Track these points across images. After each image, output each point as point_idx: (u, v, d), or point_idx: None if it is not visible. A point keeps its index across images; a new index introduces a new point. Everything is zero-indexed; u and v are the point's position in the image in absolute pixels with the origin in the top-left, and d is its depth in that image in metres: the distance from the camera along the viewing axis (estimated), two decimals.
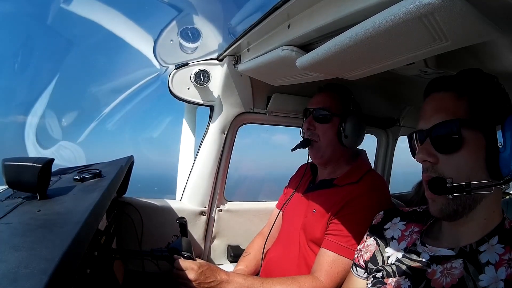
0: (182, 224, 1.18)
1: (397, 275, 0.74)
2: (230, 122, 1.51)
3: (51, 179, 0.87)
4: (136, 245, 1.35)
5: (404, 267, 0.74)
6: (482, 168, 0.64)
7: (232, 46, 1.24)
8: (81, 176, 0.98)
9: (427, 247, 0.74)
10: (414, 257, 0.74)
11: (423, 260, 0.72)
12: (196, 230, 1.55)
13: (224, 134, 1.51)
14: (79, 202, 0.79)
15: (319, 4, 0.71)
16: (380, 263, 0.82)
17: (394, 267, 0.76)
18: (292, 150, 1.29)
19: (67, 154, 1.68)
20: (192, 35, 1.34)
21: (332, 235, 1.08)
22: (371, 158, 1.39)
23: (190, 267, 0.99)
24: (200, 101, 1.48)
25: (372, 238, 0.88)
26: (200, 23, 1.33)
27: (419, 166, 0.74)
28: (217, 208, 1.59)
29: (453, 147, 0.65)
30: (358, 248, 0.92)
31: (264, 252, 1.32)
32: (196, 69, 1.42)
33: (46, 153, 1.63)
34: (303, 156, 1.35)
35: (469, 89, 0.66)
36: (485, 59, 0.80)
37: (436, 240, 0.75)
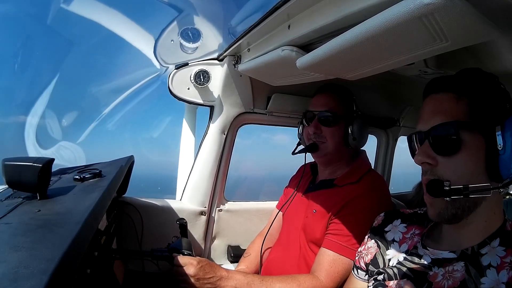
0: (182, 225, 1.18)
1: (398, 278, 0.74)
2: (230, 122, 1.51)
3: (51, 179, 0.87)
4: (136, 245, 1.35)
5: (405, 270, 0.74)
6: (482, 171, 0.63)
7: (232, 46, 1.24)
8: (81, 176, 0.98)
9: (428, 250, 0.74)
10: (416, 259, 0.74)
11: (425, 263, 0.72)
12: (196, 230, 1.55)
13: (224, 134, 1.51)
14: (79, 202, 0.79)
15: (319, 4, 0.71)
16: (381, 265, 0.82)
17: (395, 270, 0.76)
18: (294, 153, 1.29)
19: (67, 154, 1.68)
20: (193, 35, 1.34)
21: (332, 234, 1.08)
22: (371, 158, 1.39)
23: (189, 263, 0.98)
24: (200, 101, 1.48)
25: (373, 241, 0.87)
26: (200, 23, 1.33)
27: (418, 167, 0.74)
28: (217, 208, 1.59)
29: (452, 149, 0.64)
30: (359, 250, 0.92)
31: (263, 252, 1.32)
32: (196, 69, 1.42)
33: (46, 153, 1.63)
34: (303, 155, 1.34)
35: (468, 90, 0.65)
36: (485, 59, 0.80)
37: (437, 243, 0.74)
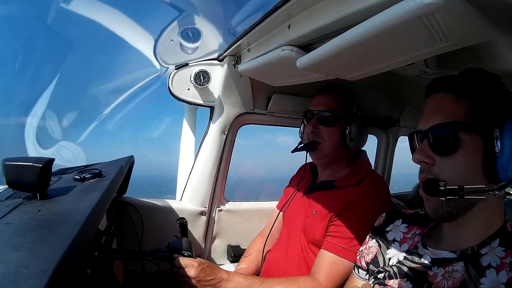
0: (182, 224, 1.18)
1: (398, 277, 0.74)
2: (230, 122, 1.51)
3: (51, 179, 0.87)
4: (136, 245, 1.35)
5: (405, 269, 0.74)
6: (479, 172, 0.63)
7: (232, 46, 1.24)
8: (81, 176, 0.98)
9: (428, 249, 0.74)
10: (416, 259, 0.74)
11: (425, 262, 0.72)
12: (196, 230, 1.55)
13: (224, 134, 1.51)
14: (79, 202, 0.79)
15: (320, 4, 0.70)
16: (382, 264, 0.82)
17: (395, 269, 0.76)
18: (293, 152, 1.29)
19: (67, 154, 1.68)
20: (193, 35, 1.34)
21: (332, 236, 1.08)
22: (371, 158, 1.39)
23: (190, 264, 0.99)
24: (200, 102, 1.48)
25: (374, 240, 0.88)
26: (200, 23, 1.33)
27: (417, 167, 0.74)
28: (217, 208, 1.59)
29: (450, 149, 0.64)
30: (360, 249, 0.92)
31: (264, 253, 1.32)
32: (196, 69, 1.42)
33: (46, 153, 1.63)
34: (304, 154, 1.34)
35: (469, 91, 0.65)
36: (485, 59, 0.80)
37: (437, 243, 0.75)
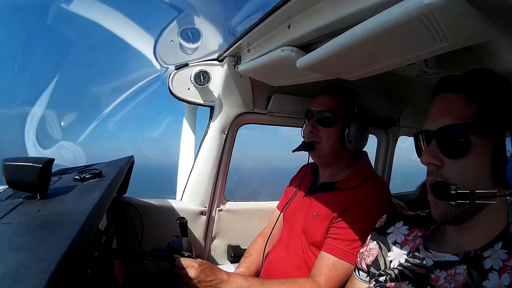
0: (182, 224, 1.18)
1: (400, 280, 0.74)
2: (230, 122, 1.51)
3: (51, 179, 0.87)
4: (136, 245, 1.35)
5: (407, 272, 0.74)
6: (487, 175, 0.62)
7: (232, 46, 1.24)
8: (81, 176, 0.98)
9: (430, 252, 0.73)
10: (418, 262, 0.74)
11: (427, 265, 0.71)
12: (196, 230, 1.55)
13: (224, 134, 1.51)
14: (79, 202, 0.79)
15: (319, 4, 0.70)
16: (383, 267, 0.81)
17: (397, 272, 0.75)
18: (293, 151, 1.29)
19: (67, 154, 1.68)
20: (192, 35, 1.34)
21: (333, 238, 1.08)
22: (371, 158, 1.38)
23: (191, 265, 0.99)
24: (200, 102, 1.48)
25: (374, 242, 0.87)
26: (200, 23, 1.33)
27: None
28: (217, 208, 1.59)
29: (460, 152, 0.63)
30: (360, 251, 0.91)
31: (265, 254, 1.32)
32: (196, 69, 1.42)
33: (46, 153, 1.63)
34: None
35: (479, 92, 0.64)
36: (485, 59, 0.80)
37: (439, 245, 0.74)
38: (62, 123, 1.68)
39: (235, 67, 1.36)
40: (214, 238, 1.62)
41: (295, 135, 1.40)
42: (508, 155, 0.59)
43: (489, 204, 0.64)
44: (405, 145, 1.99)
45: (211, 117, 1.52)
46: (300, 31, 0.79)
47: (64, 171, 1.13)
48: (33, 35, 1.55)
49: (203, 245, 1.59)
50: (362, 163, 1.25)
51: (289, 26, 0.84)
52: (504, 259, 0.62)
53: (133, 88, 1.58)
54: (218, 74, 1.45)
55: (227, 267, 1.58)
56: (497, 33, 0.50)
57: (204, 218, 1.55)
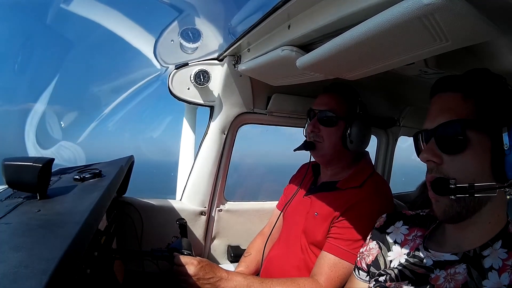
0: (182, 225, 1.18)
1: (399, 280, 0.74)
2: (230, 122, 1.51)
3: (51, 179, 0.87)
4: (136, 245, 1.35)
5: (407, 272, 0.74)
6: (487, 171, 0.63)
7: (232, 46, 1.24)
8: (81, 176, 0.98)
9: (430, 252, 0.73)
10: (417, 262, 0.74)
11: (426, 265, 0.71)
12: (196, 230, 1.55)
13: (224, 134, 1.51)
14: (79, 202, 0.79)
15: (319, 4, 0.70)
16: (382, 267, 0.81)
17: (396, 272, 0.76)
18: (295, 150, 1.28)
19: (67, 154, 1.68)
20: (193, 35, 1.34)
21: (334, 238, 1.08)
22: (371, 158, 1.38)
23: (190, 262, 0.99)
24: (200, 101, 1.48)
25: (374, 242, 0.87)
26: (200, 23, 1.33)
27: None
28: (217, 208, 1.59)
29: (458, 147, 0.64)
30: (360, 251, 0.91)
31: (265, 253, 1.32)
32: (196, 69, 1.42)
33: (46, 153, 1.63)
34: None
35: (476, 90, 0.65)
36: (485, 59, 0.80)
37: (439, 245, 0.74)
38: (62, 123, 1.68)
39: (235, 67, 1.36)
40: (214, 238, 1.62)
41: (297, 132, 1.41)
42: (506, 149, 0.60)
43: (489, 201, 0.64)
44: (405, 145, 1.99)
45: (211, 117, 1.52)
46: (300, 31, 0.79)
47: (64, 171, 1.13)
48: (33, 35, 1.55)
49: (203, 245, 1.59)
50: (364, 163, 1.25)
51: (289, 26, 0.84)
52: (504, 258, 0.62)
53: (133, 88, 1.58)
54: (218, 73, 1.45)
55: (227, 267, 1.58)
56: (497, 33, 0.51)
57: (204, 218, 1.55)
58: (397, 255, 0.80)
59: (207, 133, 1.52)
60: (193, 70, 1.42)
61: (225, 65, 1.40)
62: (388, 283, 0.76)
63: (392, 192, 1.23)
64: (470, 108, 0.64)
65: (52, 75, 1.55)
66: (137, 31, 1.41)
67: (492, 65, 0.78)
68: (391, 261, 0.81)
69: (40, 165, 0.76)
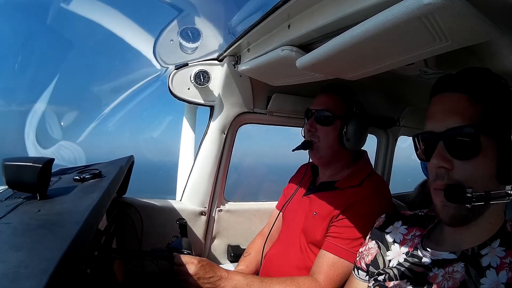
0: (182, 225, 1.18)
1: (398, 279, 0.74)
2: (230, 122, 1.51)
3: (51, 179, 0.87)
4: (136, 245, 1.35)
5: (406, 271, 0.74)
6: (493, 174, 0.62)
7: (232, 46, 1.24)
8: (81, 176, 0.98)
9: (428, 251, 0.73)
10: (416, 261, 0.74)
11: (425, 264, 0.72)
12: (196, 230, 1.55)
13: (224, 134, 1.51)
14: (79, 202, 0.79)
15: (319, 4, 0.71)
16: (381, 266, 0.82)
17: (395, 271, 0.76)
18: (293, 150, 1.29)
19: (67, 154, 1.68)
20: (192, 35, 1.34)
21: (333, 237, 1.08)
22: (371, 158, 1.39)
23: (190, 262, 0.99)
24: (200, 101, 1.48)
25: (373, 241, 0.88)
26: (200, 23, 1.33)
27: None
28: (217, 208, 1.59)
29: (471, 153, 0.62)
30: (359, 250, 0.92)
31: (264, 253, 1.32)
32: (196, 69, 1.42)
33: (46, 153, 1.63)
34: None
35: (484, 93, 0.64)
36: (485, 59, 0.80)
37: (437, 244, 0.74)
38: (62, 123, 1.68)
39: (235, 67, 1.36)
40: (214, 238, 1.62)
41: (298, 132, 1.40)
42: None
43: (494, 203, 0.64)
44: (405, 145, 1.99)
45: (211, 117, 1.52)
46: (300, 31, 0.79)
47: (64, 171, 1.13)
48: (33, 34, 1.55)
49: (203, 245, 1.59)
50: (362, 163, 1.25)
51: (289, 26, 0.84)
52: (502, 256, 0.62)
53: (133, 88, 1.58)
54: (218, 73, 1.45)
55: (227, 267, 1.58)
56: (497, 33, 0.51)
57: (204, 218, 1.55)
58: (396, 255, 0.80)
59: (207, 133, 1.52)
60: (193, 70, 1.42)
61: (225, 65, 1.40)
62: (387, 282, 0.76)
63: (392, 193, 1.24)
64: (478, 112, 0.63)
65: (52, 75, 1.55)
66: (137, 31, 1.41)
67: (492, 65, 0.78)
68: (390, 261, 0.81)
69: (40, 165, 0.76)
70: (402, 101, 1.70)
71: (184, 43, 1.36)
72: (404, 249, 0.80)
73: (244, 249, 1.45)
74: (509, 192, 0.61)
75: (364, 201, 1.09)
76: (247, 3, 1.08)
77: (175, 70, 1.42)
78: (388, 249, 0.83)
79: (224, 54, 1.37)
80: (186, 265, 0.98)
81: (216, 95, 1.48)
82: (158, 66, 1.48)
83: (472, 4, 0.44)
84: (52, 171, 0.84)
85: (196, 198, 1.53)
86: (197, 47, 1.38)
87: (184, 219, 1.20)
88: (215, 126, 1.50)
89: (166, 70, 1.48)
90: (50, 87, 1.55)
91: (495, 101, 0.64)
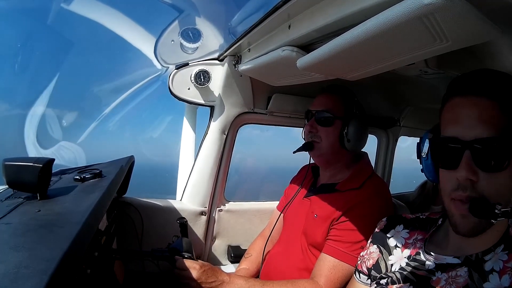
0: (183, 224, 1.18)
1: (401, 283, 0.74)
2: (231, 122, 1.51)
3: (52, 179, 0.87)
4: (136, 245, 1.35)
5: (408, 275, 0.74)
6: None
7: (232, 46, 1.24)
8: (82, 176, 0.98)
9: (431, 255, 0.73)
10: (418, 265, 0.74)
11: (428, 268, 0.71)
12: (196, 230, 1.55)
13: (225, 134, 1.51)
14: (79, 202, 0.79)
15: (320, 4, 0.71)
16: (384, 270, 0.81)
17: (398, 275, 0.76)
18: (294, 152, 1.29)
19: (67, 154, 1.68)
20: (193, 35, 1.34)
21: (333, 240, 1.08)
22: (371, 158, 1.39)
23: (192, 266, 0.99)
24: (201, 101, 1.48)
25: (375, 246, 0.87)
26: (201, 23, 1.33)
27: None
28: (218, 208, 1.59)
29: (500, 166, 0.59)
30: (361, 254, 0.91)
31: (264, 255, 1.32)
32: (196, 69, 1.42)
33: (46, 153, 1.63)
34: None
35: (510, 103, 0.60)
36: (486, 59, 0.80)
37: (440, 248, 0.74)
38: (63, 123, 1.68)
39: (235, 67, 1.36)
40: (215, 238, 1.62)
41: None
42: None
43: None
44: (405, 145, 1.99)
45: (211, 117, 1.52)
46: (300, 31, 0.79)
47: (64, 171, 1.13)
48: (33, 35, 1.55)
49: (203, 245, 1.59)
50: (362, 164, 1.25)
51: (289, 26, 0.84)
52: (505, 260, 0.62)
53: (134, 88, 1.58)
54: (218, 73, 1.45)
55: (227, 267, 1.58)
56: (497, 33, 0.50)
57: (204, 218, 1.55)
58: (398, 259, 0.80)
59: (207, 133, 1.52)
60: (193, 70, 1.42)
61: (226, 65, 1.40)
62: (389, 286, 0.76)
63: (392, 193, 1.24)
64: (506, 122, 0.59)
65: (52, 75, 1.55)
66: (137, 31, 1.41)
67: (493, 66, 0.78)
68: (392, 265, 0.80)
69: (41, 165, 0.76)
70: (403, 101, 1.70)
71: (185, 43, 1.36)
72: (406, 253, 0.79)
73: (245, 249, 1.45)
74: None
75: (364, 203, 1.09)
76: (247, 3, 1.08)
77: (175, 70, 1.42)
78: (390, 253, 0.83)
79: (225, 54, 1.37)
80: (189, 270, 0.99)
81: (217, 95, 1.48)
82: (158, 66, 1.48)
83: (472, 4, 0.44)
84: (53, 171, 0.84)
85: (196, 198, 1.53)
86: (197, 47, 1.38)
87: (184, 218, 1.20)
88: (216, 126, 1.50)
89: (166, 70, 1.48)
90: (50, 87, 1.55)
91: None
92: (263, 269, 1.29)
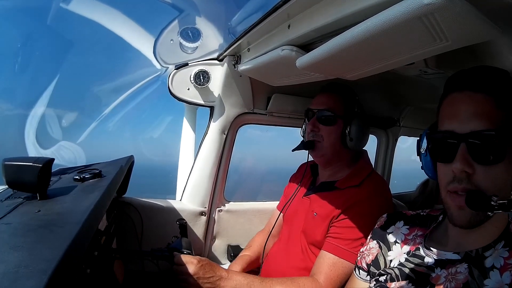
0: (182, 225, 1.18)
1: (400, 279, 0.74)
2: (230, 122, 1.51)
3: (51, 179, 0.87)
4: (136, 245, 1.35)
5: (407, 271, 0.73)
6: (510, 182, 0.61)
7: (232, 46, 1.24)
8: (81, 176, 0.98)
9: (431, 250, 0.73)
10: (418, 261, 0.74)
11: (427, 264, 0.71)
12: (196, 230, 1.55)
13: (224, 134, 1.51)
14: (79, 202, 0.79)
15: (319, 4, 0.71)
16: (382, 266, 0.81)
17: (397, 271, 0.76)
18: (293, 150, 1.29)
19: (67, 154, 1.68)
20: (192, 35, 1.34)
21: (333, 238, 1.08)
22: (371, 158, 1.39)
23: (190, 261, 0.99)
24: (200, 102, 1.48)
25: (375, 241, 0.87)
26: (200, 23, 1.33)
27: None
28: (217, 209, 1.59)
29: (496, 159, 0.60)
30: (361, 250, 0.91)
31: (265, 253, 1.32)
32: (196, 69, 1.42)
33: (46, 153, 1.63)
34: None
35: (507, 99, 0.62)
36: (485, 59, 0.80)
37: (440, 244, 0.74)
38: (63, 123, 1.68)
39: (235, 67, 1.36)
40: (214, 238, 1.62)
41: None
42: None
43: None
44: (405, 145, 1.99)
45: (211, 117, 1.52)
46: (300, 30, 0.79)
47: (64, 171, 1.13)
48: (33, 35, 1.55)
49: (203, 245, 1.59)
50: (362, 163, 1.25)
51: (289, 26, 0.84)
52: (506, 257, 0.62)
53: (133, 88, 1.58)
54: (218, 74, 1.45)
55: (227, 267, 1.58)
56: (497, 33, 0.50)
57: (204, 218, 1.55)
58: (398, 255, 0.80)
59: (207, 133, 1.52)
60: (193, 70, 1.42)
61: (225, 65, 1.40)
62: (388, 283, 0.76)
63: (392, 192, 1.24)
64: (502, 117, 0.61)
65: (52, 75, 1.55)
66: (137, 31, 1.41)
67: (493, 65, 0.78)
68: (391, 261, 0.81)
69: (40, 165, 0.76)
70: (402, 101, 1.70)
71: (184, 42, 1.36)
72: (406, 249, 0.79)
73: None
74: None
75: (364, 201, 1.09)
76: (247, 3, 1.07)
77: (175, 70, 1.42)
78: (389, 249, 0.83)
79: (224, 54, 1.37)
80: (186, 265, 0.98)
81: (216, 95, 1.48)
82: (158, 66, 1.48)
83: (472, 4, 0.44)
84: (52, 171, 0.84)
85: (196, 198, 1.53)
86: (197, 46, 1.38)
87: (184, 219, 1.20)
88: (215, 127, 1.50)
89: (166, 70, 1.48)
90: (50, 87, 1.55)
91: None
92: (263, 267, 1.29)
